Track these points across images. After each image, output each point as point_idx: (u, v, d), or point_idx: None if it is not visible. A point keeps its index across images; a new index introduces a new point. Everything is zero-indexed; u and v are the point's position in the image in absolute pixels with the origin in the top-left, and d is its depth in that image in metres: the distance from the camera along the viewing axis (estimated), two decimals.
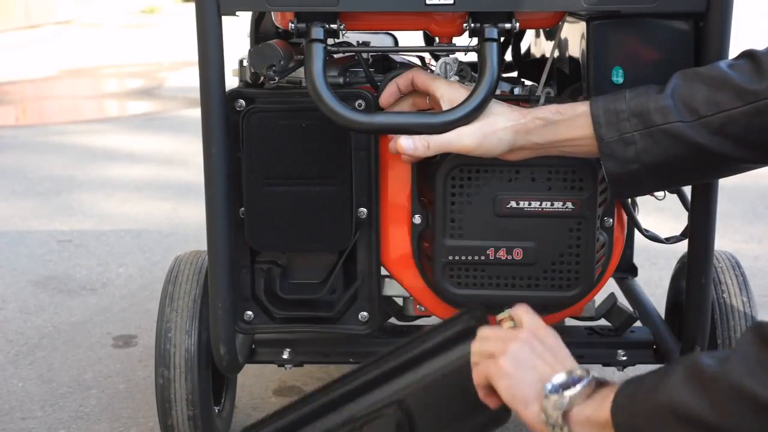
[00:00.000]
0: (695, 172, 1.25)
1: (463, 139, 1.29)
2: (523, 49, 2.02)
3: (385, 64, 1.61)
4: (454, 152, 1.32)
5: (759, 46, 1.22)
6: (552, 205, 1.39)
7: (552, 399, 1.02)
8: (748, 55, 1.20)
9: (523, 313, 1.14)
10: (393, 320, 1.66)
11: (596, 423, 1.00)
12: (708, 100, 1.18)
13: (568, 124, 1.26)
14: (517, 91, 1.57)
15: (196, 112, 1.61)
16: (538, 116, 1.28)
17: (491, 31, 1.34)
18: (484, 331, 1.14)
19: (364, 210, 1.47)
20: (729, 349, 0.96)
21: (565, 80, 1.65)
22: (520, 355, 1.07)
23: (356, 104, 1.43)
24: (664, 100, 1.21)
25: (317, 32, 1.34)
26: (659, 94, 1.22)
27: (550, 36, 1.80)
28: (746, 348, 0.89)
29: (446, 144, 1.30)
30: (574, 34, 1.53)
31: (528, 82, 1.84)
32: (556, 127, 1.27)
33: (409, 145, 1.30)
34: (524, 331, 1.10)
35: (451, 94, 1.33)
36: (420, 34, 1.76)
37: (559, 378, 1.04)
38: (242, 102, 1.44)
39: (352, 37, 1.61)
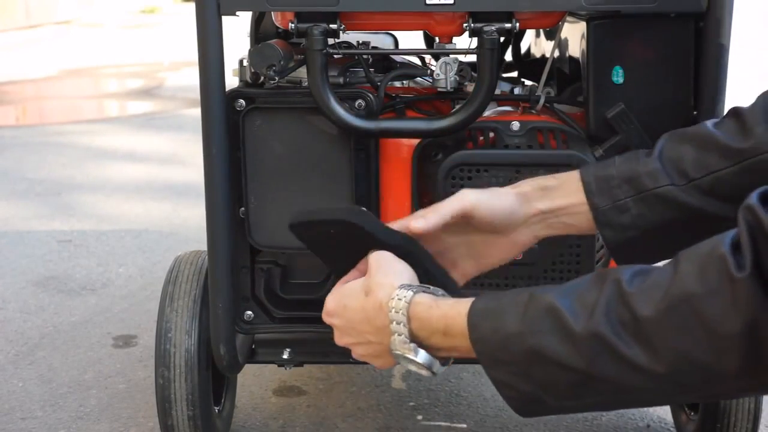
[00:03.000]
0: (693, 233, 1.20)
1: (469, 195, 1.23)
2: (523, 49, 2.02)
3: (385, 64, 1.61)
4: (460, 213, 1.23)
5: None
6: None
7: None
8: (734, 114, 1.17)
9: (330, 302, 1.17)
10: None
11: (438, 330, 1.04)
12: (696, 161, 1.16)
13: (563, 189, 1.23)
14: (517, 91, 1.57)
15: (196, 112, 1.61)
16: (535, 183, 1.24)
17: (491, 41, 1.34)
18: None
19: (364, 210, 1.47)
20: (587, 286, 0.96)
21: (565, 80, 1.65)
22: (361, 351, 1.13)
23: (356, 104, 1.43)
24: (653, 163, 1.18)
25: (319, 42, 1.35)
26: (648, 157, 1.19)
27: (550, 36, 1.80)
28: (609, 306, 0.93)
29: (450, 207, 1.23)
30: (574, 34, 1.53)
31: (528, 82, 1.84)
32: (553, 193, 1.23)
33: (420, 224, 1.23)
34: (337, 333, 1.16)
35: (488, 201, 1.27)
36: (420, 34, 1.76)
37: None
38: (242, 102, 1.44)
39: (352, 37, 1.61)
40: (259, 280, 1.53)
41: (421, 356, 1.05)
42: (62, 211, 3.55)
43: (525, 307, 0.98)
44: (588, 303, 0.94)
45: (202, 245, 1.49)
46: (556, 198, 1.22)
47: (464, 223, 1.22)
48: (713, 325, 0.87)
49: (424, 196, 1.47)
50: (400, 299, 1.06)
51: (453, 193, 1.40)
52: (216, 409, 1.69)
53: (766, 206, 0.87)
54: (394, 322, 1.05)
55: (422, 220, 1.22)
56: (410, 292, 1.06)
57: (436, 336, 1.04)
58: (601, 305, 0.93)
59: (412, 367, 1.06)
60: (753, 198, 0.88)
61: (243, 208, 1.48)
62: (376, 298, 1.08)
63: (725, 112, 1.17)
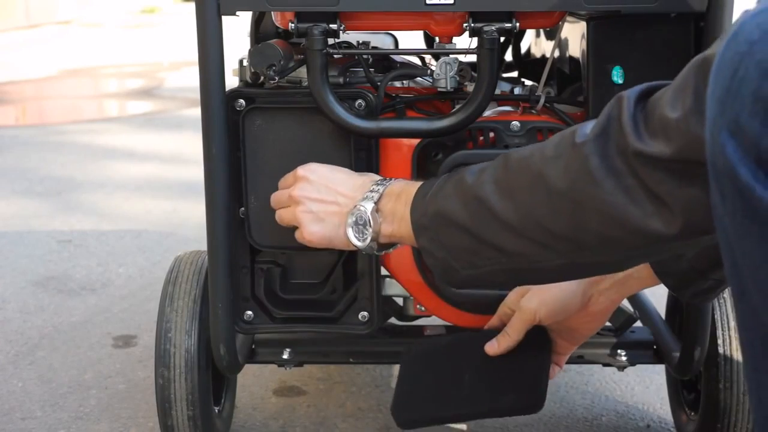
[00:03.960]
0: None
1: (526, 305, 1.31)
2: (523, 49, 2.02)
3: (385, 64, 1.61)
4: (528, 325, 1.34)
5: None
6: None
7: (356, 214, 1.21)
8: None
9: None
10: (393, 320, 1.66)
11: (400, 215, 1.17)
12: None
13: None
14: (517, 91, 1.57)
15: (196, 112, 1.61)
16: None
17: (491, 41, 1.34)
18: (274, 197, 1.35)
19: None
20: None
21: (565, 80, 1.65)
22: (312, 207, 1.25)
23: (356, 104, 1.43)
24: None
25: (319, 42, 1.35)
26: None
27: (550, 36, 1.80)
28: (496, 165, 1.06)
29: (519, 322, 1.33)
30: (574, 34, 1.53)
31: (528, 82, 1.84)
32: None
33: (495, 346, 1.35)
34: (297, 185, 1.27)
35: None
36: (420, 34, 1.76)
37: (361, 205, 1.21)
38: (242, 102, 1.44)
39: (352, 37, 1.61)
40: (259, 280, 1.53)
41: (375, 216, 1.18)
42: (62, 211, 3.55)
43: (448, 178, 1.11)
44: (483, 167, 1.07)
45: (202, 245, 1.49)
46: None
47: None
48: (550, 184, 0.97)
49: None
50: (385, 180, 1.23)
51: None
52: (216, 409, 1.69)
53: (638, 103, 0.92)
54: (372, 187, 1.21)
55: (495, 345, 1.33)
56: (395, 180, 1.23)
57: (391, 199, 1.18)
58: (490, 167, 1.06)
59: (353, 236, 1.20)
60: (631, 91, 0.93)
61: (243, 208, 1.48)
62: (369, 177, 1.26)
63: None
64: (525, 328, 1.30)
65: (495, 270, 1.05)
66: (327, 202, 1.24)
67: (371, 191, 1.21)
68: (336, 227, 1.23)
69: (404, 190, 1.18)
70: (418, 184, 1.17)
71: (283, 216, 1.30)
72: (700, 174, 0.82)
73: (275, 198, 1.33)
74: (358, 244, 1.21)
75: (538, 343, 1.33)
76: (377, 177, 1.26)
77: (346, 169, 1.29)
